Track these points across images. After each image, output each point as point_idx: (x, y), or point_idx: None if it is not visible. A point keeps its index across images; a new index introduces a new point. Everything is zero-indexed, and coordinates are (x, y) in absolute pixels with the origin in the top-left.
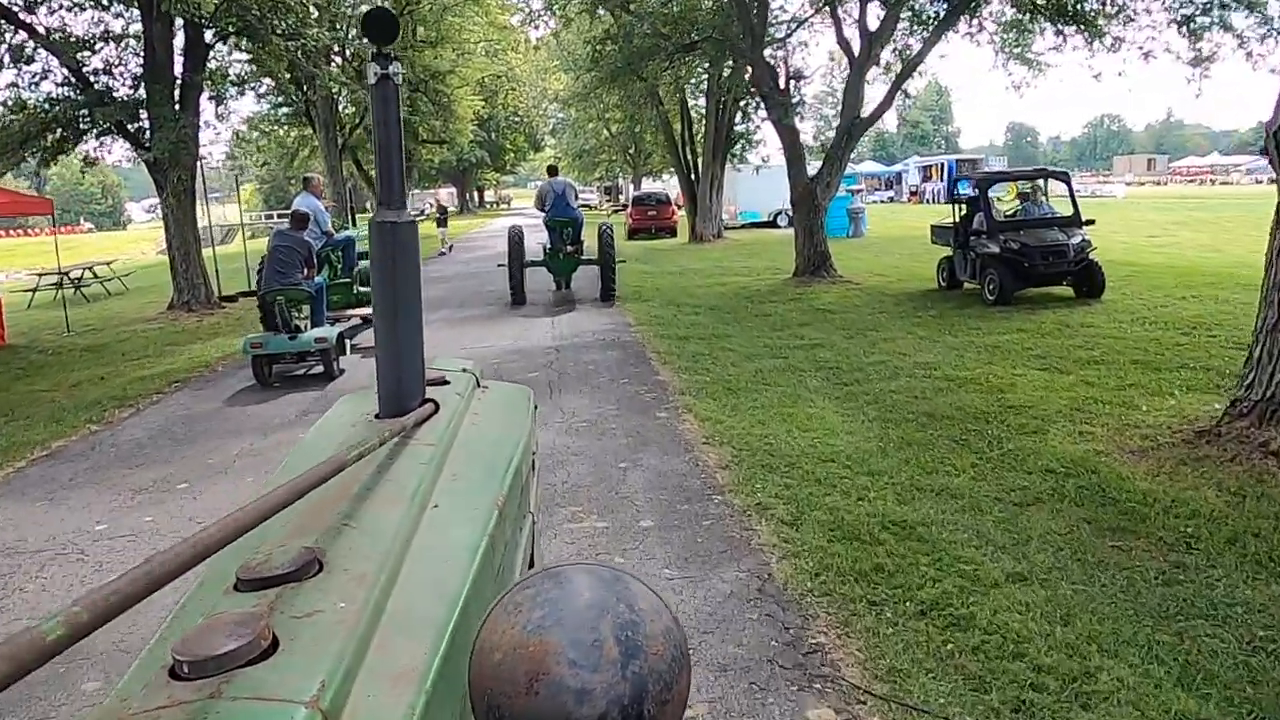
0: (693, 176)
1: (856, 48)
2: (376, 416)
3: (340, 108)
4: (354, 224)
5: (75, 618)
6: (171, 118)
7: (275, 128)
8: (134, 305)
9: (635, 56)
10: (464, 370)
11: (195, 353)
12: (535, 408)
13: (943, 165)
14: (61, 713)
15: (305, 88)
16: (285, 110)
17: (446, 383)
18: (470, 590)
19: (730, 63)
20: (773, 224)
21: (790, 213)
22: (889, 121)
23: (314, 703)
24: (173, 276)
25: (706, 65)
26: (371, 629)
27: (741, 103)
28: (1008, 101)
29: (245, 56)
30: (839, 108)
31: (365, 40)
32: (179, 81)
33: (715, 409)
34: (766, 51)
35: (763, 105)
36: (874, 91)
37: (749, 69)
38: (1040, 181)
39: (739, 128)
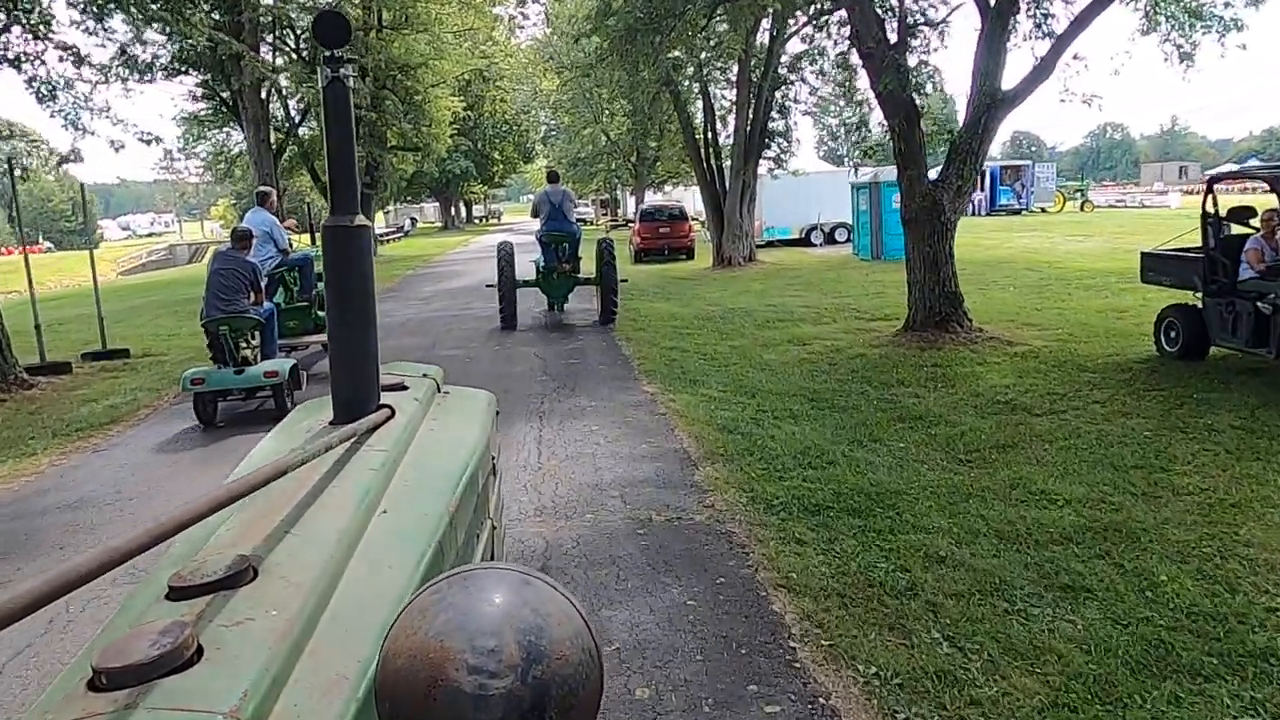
0: (717, 185)
1: None
2: (331, 423)
3: (288, 103)
4: (314, 243)
5: None
6: None
7: (194, 125)
8: None
9: (660, 11)
10: (425, 375)
11: None
12: (497, 413)
13: (981, 173)
14: None
15: (230, 76)
16: (210, 106)
17: (405, 388)
18: (409, 600)
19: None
20: (806, 241)
21: (826, 228)
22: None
23: (234, 713)
24: None
25: (744, 37)
26: (304, 637)
27: (779, 92)
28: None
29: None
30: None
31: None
32: None
33: None
34: None
35: (847, 76)
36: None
37: (829, 25)
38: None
39: (773, 124)
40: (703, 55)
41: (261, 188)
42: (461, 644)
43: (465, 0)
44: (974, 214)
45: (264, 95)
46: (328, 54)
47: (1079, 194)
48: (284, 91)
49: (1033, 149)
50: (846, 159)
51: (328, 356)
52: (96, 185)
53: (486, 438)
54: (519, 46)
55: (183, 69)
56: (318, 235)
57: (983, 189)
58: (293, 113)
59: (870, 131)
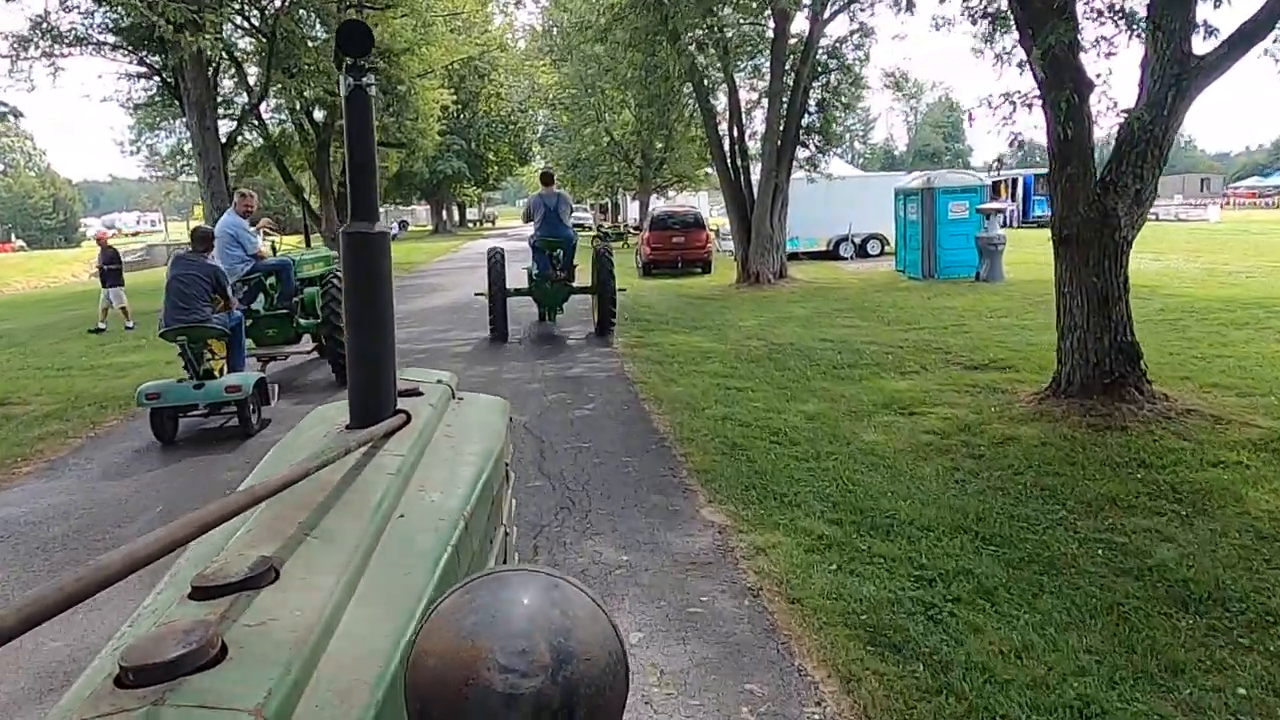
0: (743, 189)
1: None
2: (347, 427)
3: (250, 87)
4: (308, 245)
5: (0, 622)
6: None
7: (147, 112)
8: None
9: None
10: (439, 381)
11: None
12: (510, 420)
13: (1013, 181)
14: None
15: (169, 50)
16: (149, 88)
17: (420, 394)
18: (429, 601)
19: None
20: (834, 254)
21: (857, 239)
22: (898, 137)
23: (258, 711)
24: None
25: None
26: (325, 638)
27: (823, 80)
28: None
29: None
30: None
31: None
32: None
33: None
34: None
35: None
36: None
37: None
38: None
39: (807, 119)
40: (730, 34)
41: (241, 189)
42: (492, 644)
43: None
44: (1010, 225)
45: (211, 75)
46: (350, 63)
47: None
48: (246, 74)
49: (1039, 159)
50: (851, 161)
51: (325, 365)
52: (87, 182)
53: (500, 444)
54: (513, 40)
55: (119, 43)
56: (314, 239)
57: (1014, 198)
58: (254, 98)
59: (1029, 108)
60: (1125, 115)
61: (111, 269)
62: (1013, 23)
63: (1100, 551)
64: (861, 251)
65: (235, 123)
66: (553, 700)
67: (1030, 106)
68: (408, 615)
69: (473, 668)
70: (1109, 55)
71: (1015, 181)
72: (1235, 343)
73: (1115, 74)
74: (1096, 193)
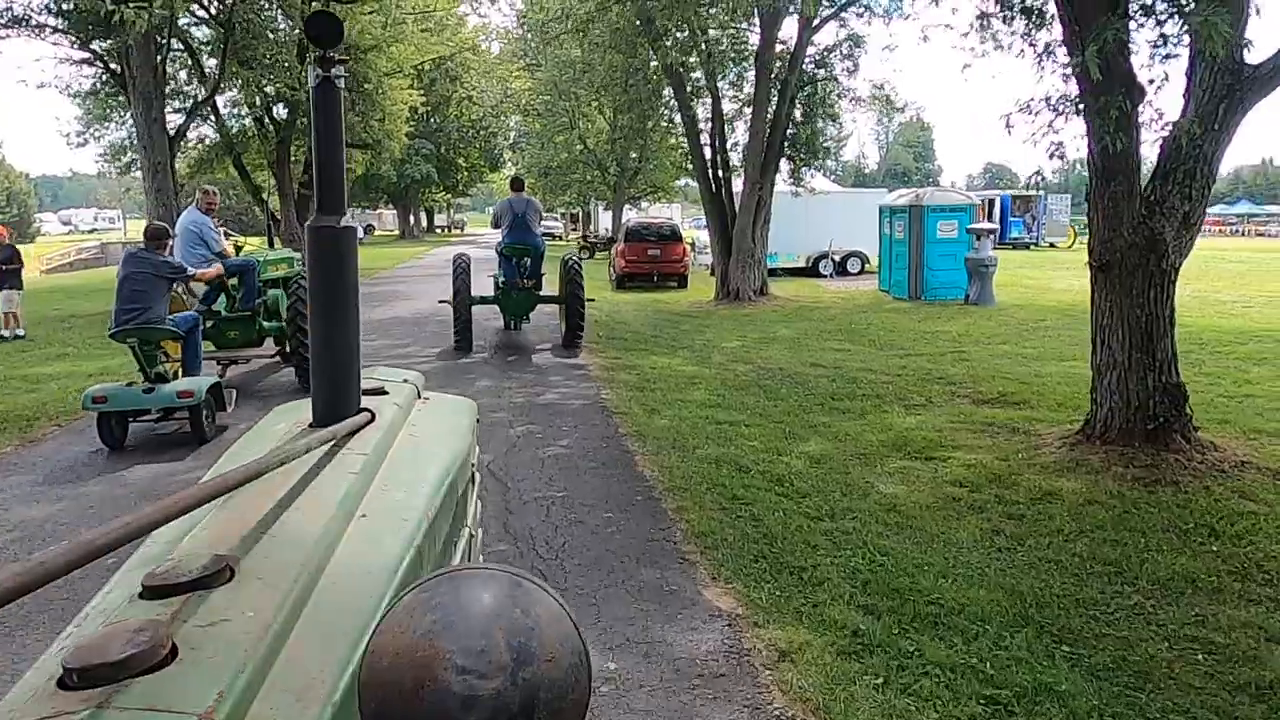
0: (724, 201)
1: None
2: (310, 425)
3: (205, 73)
4: (272, 246)
5: None
6: None
7: (96, 103)
8: None
9: None
10: (405, 381)
11: None
12: (478, 420)
13: (990, 202)
14: None
15: (113, 32)
16: (93, 76)
17: (385, 393)
18: (390, 602)
19: None
20: (813, 271)
21: (837, 257)
22: (869, 155)
23: (209, 715)
24: None
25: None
26: (280, 639)
27: (808, 91)
28: (985, 141)
29: None
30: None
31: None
32: None
33: None
34: None
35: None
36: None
37: None
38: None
39: (792, 130)
40: (714, 34)
41: (204, 185)
42: (450, 644)
43: None
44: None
45: (160, 63)
46: (319, 54)
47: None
48: (201, 63)
49: (1006, 181)
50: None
51: (288, 370)
52: (46, 177)
53: (466, 445)
54: (487, 43)
55: (60, 25)
56: (277, 240)
57: (990, 219)
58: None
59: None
60: (1171, 128)
61: (10, 269)
62: (1056, 19)
63: (1200, 657)
64: (841, 269)
65: (185, 115)
66: (512, 702)
67: (1076, 113)
68: (367, 615)
69: (429, 668)
70: (1168, 58)
71: (992, 202)
72: (1260, 380)
73: (1156, 83)
74: (1142, 214)
